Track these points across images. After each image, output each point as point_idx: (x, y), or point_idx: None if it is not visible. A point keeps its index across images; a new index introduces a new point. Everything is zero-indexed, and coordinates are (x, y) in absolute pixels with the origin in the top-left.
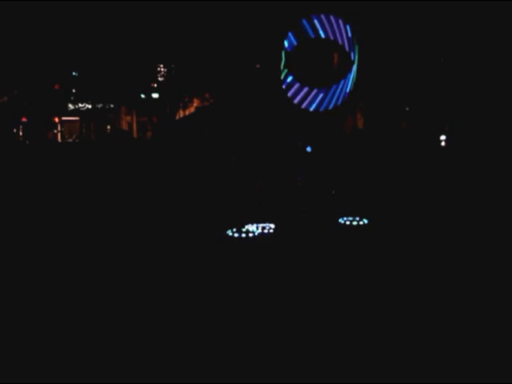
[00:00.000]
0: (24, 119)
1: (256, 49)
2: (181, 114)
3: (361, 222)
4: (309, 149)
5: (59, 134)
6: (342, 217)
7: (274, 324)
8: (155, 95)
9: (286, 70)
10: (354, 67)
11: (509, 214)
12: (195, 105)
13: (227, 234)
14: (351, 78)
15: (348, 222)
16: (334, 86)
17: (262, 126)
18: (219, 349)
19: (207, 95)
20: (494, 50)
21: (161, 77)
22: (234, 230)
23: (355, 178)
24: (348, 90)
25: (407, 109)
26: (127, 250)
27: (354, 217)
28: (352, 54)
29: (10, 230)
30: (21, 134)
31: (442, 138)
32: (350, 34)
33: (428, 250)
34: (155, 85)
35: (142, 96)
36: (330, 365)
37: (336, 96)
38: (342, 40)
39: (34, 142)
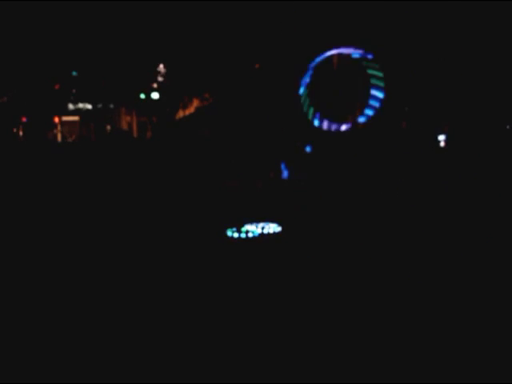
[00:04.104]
0: (24, 119)
1: (256, 49)
2: (181, 114)
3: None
4: (309, 149)
5: (59, 133)
6: (342, 217)
7: (273, 324)
8: (155, 95)
9: (310, 107)
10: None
11: (509, 214)
12: (195, 105)
13: (227, 234)
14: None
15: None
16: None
17: (261, 126)
18: (219, 349)
19: (207, 95)
20: (494, 50)
21: (161, 77)
22: (234, 229)
23: (355, 178)
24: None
25: (407, 109)
26: (127, 250)
27: (353, 217)
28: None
29: (10, 230)
30: (21, 133)
31: (442, 137)
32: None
33: (427, 250)
34: (155, 85)
35: (142, 96)
36: (330, 365)
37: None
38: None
39: (33, 141)
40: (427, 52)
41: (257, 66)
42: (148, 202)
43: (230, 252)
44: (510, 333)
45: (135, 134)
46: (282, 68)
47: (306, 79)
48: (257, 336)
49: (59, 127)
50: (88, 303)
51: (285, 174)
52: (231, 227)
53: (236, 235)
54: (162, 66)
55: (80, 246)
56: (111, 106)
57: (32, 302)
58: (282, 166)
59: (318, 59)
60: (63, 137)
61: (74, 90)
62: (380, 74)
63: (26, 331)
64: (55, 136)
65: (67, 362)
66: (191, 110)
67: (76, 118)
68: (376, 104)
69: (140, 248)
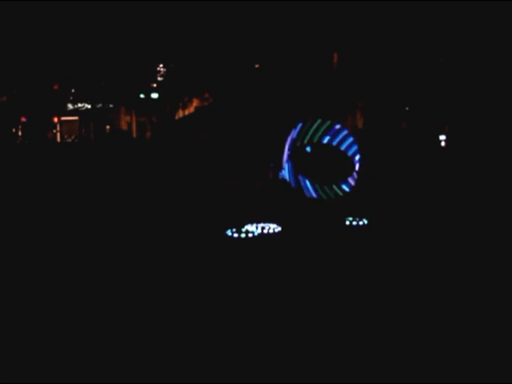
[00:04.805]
0: (23, 119)
1: (255, 49)
2: (180, 114)
3: (361, 222)
4: (308, 149)
5: (58, 133)
6: (343, 217)
7: (273, 324)
8: (155, 95)
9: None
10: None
11: (509, 214)
12: (195, 105)
13: (227, 234)
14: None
15: (348, 222)
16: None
17: (261, 125)
18: (219, 348)
19: (207, 95)
20: (494, 50)
21: (160, 77)
22: (234, 230)
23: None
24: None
25: (407, 109)
26: (127, 250)
27: (354, 217)
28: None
29: (10, 230)
30: (20, 133)
31: (442, 137)
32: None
33: (428, 249)
34: (155, 85)
35: (142, 96)
36: (330, 365)
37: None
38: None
39: (33, 141)
40: (427, 52)
41: (256, 66)
42: (148, 201)
43: (230, 252)
44: (510, 333)
45: (134, 134)
46: (281, 68)
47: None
48: (256, 336)
49: (58, 127)
50: (87, 303)
51: (282, 173)
52: (231, 227)
53: (236, 235)
54: (161, 65)
55: (79, 245)
56: (111, 105)
57: (32, 301)
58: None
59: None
60: (62, 137)
61: (73, 90)
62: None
63: (26, 331)
64: (54, 136)
65: (67, 362)
66: (191, 109)
67: (75, 118)
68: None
69: (140, 248)
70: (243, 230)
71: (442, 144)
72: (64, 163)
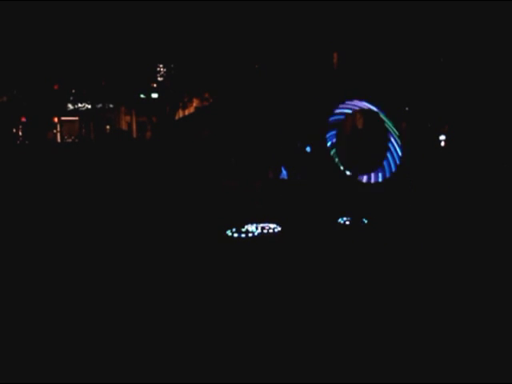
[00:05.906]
0: (23, 119)
1: (256, 49)
2: (180, 113)
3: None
4: (308, 149)
5: (58, 134)
6: (342, 217)
7: (273, 324)
8: (155, 95)
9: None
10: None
11: (509, 214)
12: (195, 105)
13: (227, 234)
14: (395, 150)
15: (347, 222)
16: (385, 162)
17: (261, 125)
18: (218, 348)
19: (207, 95)
20: (494, 51)
21: (160, 77)
22: (234, 230)
23: (355, 178)
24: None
25: (407, 109)
26: (127, 250)
27: (353, 217)
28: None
29: (10, 230)
30: (20, 134)
31: (442, 137)
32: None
33: (427, 250)
34: (155, 85)
35: (142, 96)
36: (330, 365)
37: (389, 166)
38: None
39: (33, 142)
40: (427, 52)
41: (256, 66)
42: (148, 202)
43: (230, 252)
44: (510, 333)
45: (134, 134)
46: (281, 68)
47: (333, 139)
48: (256, 336)
49: (59, 127)
50: (88, 303)
51: (284, 173)
52: (231, 227)
53: (236, 235)
54: (161, 65)
55: (80, 246)
56: (111, 105)
57: (32, 302)
58: (283, 167)
59: (339, 117)
60: (62, 137)
61: (73, 90)
62: (395, 132)
63: (26, 331)
64: (55, 136)
65: (67, 362)
66: (191, 109)
67: (75, 118)
68: (392, 161)
69: (140, 248)
70: (243, 229)
71: (442, 144)
72: (65, 163)
